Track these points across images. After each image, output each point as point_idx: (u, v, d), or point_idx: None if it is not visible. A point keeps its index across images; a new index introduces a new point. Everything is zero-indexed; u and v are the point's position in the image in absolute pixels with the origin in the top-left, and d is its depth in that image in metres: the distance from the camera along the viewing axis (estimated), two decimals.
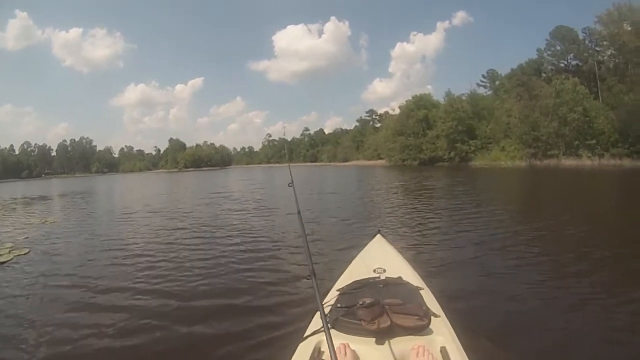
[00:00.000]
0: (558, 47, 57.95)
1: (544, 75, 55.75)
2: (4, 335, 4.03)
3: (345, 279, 2.89)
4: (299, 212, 2.67)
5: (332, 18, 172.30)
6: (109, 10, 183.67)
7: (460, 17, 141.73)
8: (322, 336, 2.01)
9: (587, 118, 41.60)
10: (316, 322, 2.27)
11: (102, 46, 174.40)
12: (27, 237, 9.81)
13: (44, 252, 7.96)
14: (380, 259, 3.19)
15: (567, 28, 57.20)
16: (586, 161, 39.24)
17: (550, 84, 45.39)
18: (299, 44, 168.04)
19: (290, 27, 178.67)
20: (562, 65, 57.51)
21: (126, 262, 6.96)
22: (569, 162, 40.00)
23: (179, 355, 3.59)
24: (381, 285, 2.49)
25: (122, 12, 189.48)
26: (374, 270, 2.85)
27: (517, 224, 8.82)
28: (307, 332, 2.18)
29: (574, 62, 56.59)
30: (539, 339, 3.45)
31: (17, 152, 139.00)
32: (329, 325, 1.93)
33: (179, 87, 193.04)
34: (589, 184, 21.06)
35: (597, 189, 18.41)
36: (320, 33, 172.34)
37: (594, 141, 40.49)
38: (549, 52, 59.19)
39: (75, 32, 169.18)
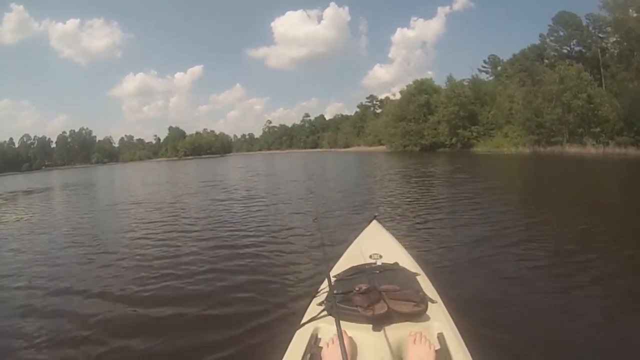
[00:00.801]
0: (561, 33, 57.40)
1: (546, 61, 55.37)
2: None
3: (341, 265, 2.90)
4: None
5: (332, 4, 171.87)
6: (107, 1, 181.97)
7: (461, 2, 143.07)
8: (319, 323, 2.05)
9: (592, 105, 41.09)
10: (313, 309, 2.28)
11: (99, 36, 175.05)
12: None
13: None
14: (376, 245, 3.18)
15: (570, 14, 56.54)
16: (591, 149, 38.69)
17: (554, 70, 44.72)
18: (298, 30, 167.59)
19: (289, 13, 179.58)
20: (565, 51, 56.87)
21: (86, 261, 6.71)
22: (573, 149, 39.48)
23: (174, 343, 3.64)
24: (377, 272, 2.50)
25: (118, 2, 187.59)
26: (370, 256, 2.84)
27: (518, 212, 8.85)
28: (304, 319, 2.18)
29: (577, 49, 56.08)
30: (534, 325, 3.53)
31: (16, 146, 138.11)
32: (325, 312, 2.10)
33: (178, 75, 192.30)
34: (594, 172, 20.93)
35: (602, 177, 18.27)
36: (320, 19, 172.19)
37: (598, 129, 40.02)
38: (552, 38, 58.62)
39: (72, 23, 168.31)
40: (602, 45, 52.26)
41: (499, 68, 65.37)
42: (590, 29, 54.38)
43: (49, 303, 4.77)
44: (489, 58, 69.75)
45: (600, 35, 53.45)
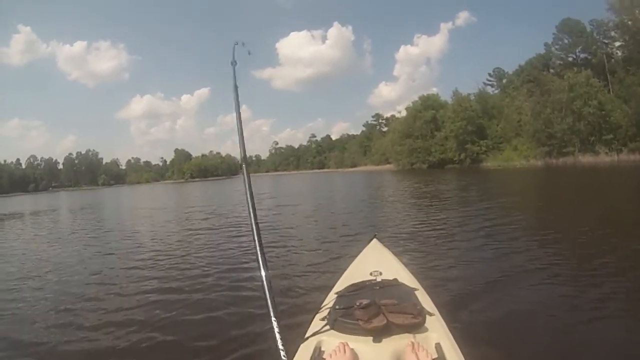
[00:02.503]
0: (566, 41, 57.07)
1: (552, 70, 54.78)
2: None
3: (342, 283, 2.95)
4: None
5: (335, 23, 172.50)
6: (112, 23, 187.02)
7: (463, 17, 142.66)
8: (322, 336, 2.09)
9: (603, 112, 40.24)
10: (316, 323, 2.31)
11: (106, 58, 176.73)
12: None
13: None
14: (376, 263, 3.24)
15: (574, 20, 56.36)
16: (604, 157, 37.92)
17: (563, 78, 43.92)
18: (302, 51, 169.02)
19: (293, 34, 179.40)
20: (571, 59, 56.61)
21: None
22: (586, 159, 38.67)
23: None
24: (377, 287, 2.54)
25: (125, 24, 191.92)
26: (371, 274, 2.87)
27: (527, 230, 8.37)
28: (308, 333, 2.21)
29: (582, 56, 55.62)
30: (531, 338, 3.51)
31: (23, 166, 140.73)
32: (328, 326, 2.15)
33: (184, 97, 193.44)
34: (611, 182, 19.78)
35: (620, 187, 17.19)
36: (324, 39, 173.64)
37: (610, 136, 39.22)
38: (557, 46, 58.37)
39: (79, 45, 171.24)
40: (607, 51, 51.80)
41: (504, 81, 65.23)
42: (595, 34, 53.96)
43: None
44: (493, 71, 69.81)
45: (605, 40, 53.00)
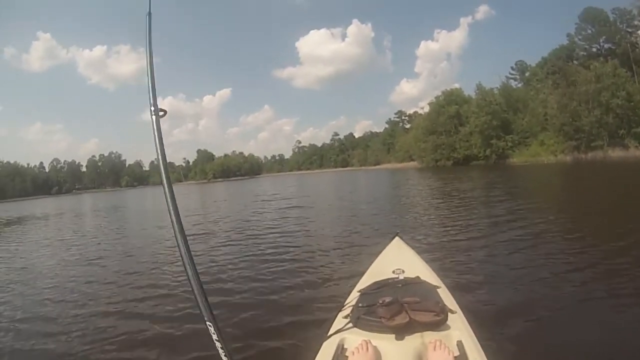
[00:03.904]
0: (589, 31, 56.19)
1: (575, 62, 53.91)
2: None
3: (365, 280, 3.00)
4: None
5: (354, 21, 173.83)
6: (131, 26, 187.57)
7: (482, 11, 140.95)
8: (344, 334, 2.12)
9: (632, 103, 39.57)
10: (339, 321, 2.36)
11: (126, 62, 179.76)
12: None
13: None
14: (399, 261, 3.27)
15: (596, 9, 55.53)
16: (634, 151, 37.28)
17: (589, 69, 43.11)
18: (322, 49, 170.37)
19: (312, 32, 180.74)
20: (595, 49, 55.68)
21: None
22: (615, 153, 38.05)
23: (206, 353, 3.55)
24: (400, 285, 2.57)
25: (144, 28, 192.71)
26: (393, 271, 2.92)
27: (557, 232, 7.94)
28: (331, 331, 2.25)
29: (606, 46, 54.77)
30: (555, 340, 3.49)
31: (47, 170, 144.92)
32: (350, 324, 2.19)
33: (206, 98, 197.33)
34: None
35: None
36: (344, 36, 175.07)
37: None
38: (580, 37, 57.47)
39: (99, 49, 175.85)
40: (631, 40, 50.95)
41: (527, 74, 64.32)
42: (618, 23, 53.08)
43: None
44: (516, 64, 69.05)
45: (629, 29, 52.18)
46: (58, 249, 11.40)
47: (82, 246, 11.46)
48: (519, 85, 64.22)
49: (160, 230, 13.16)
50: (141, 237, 12.97)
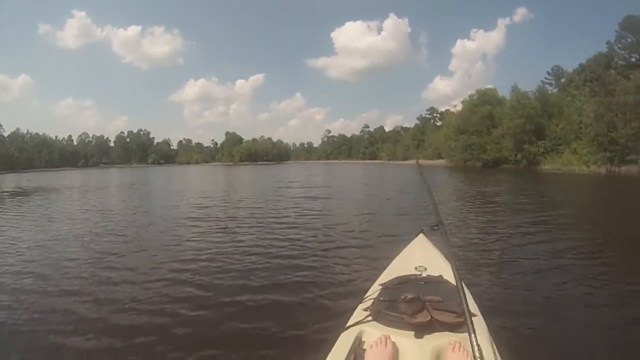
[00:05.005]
0: (629, 39, 54.81)
1: (613, 71, 51.89)
2: None
3: (387, 275, 3.00)
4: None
5: (391, 15, 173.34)
6: (167, 9, 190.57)
7: (520, 13, 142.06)
8: (363, 327, 2.12)
9: None
10: (359, 313, 2.38)
11: (160, 43, 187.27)
12: None
13: None
14: (421, 258, 3.23)
15: (638, 17, 53.42)
16: None
17: (629, 78, 41.80)
18: (358, 41, 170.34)
19: (348, 24, 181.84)
20: (634, 59, 54.38)
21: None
22: None
23: (227, 342, 3.97)
24: (422, 283, 2.56)
25: (180, 10, 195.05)
26: (416, 268, 2.90)
27: (591, 247, 7.94)
28: (350, 322, 2.28)
29: None
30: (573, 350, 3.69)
31: (75, 143, 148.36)
32: (370, 317, 2.18)
33: (239, 82, 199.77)
34: None
35: None
36: (380, 30, 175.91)
37: None
38: (620, 45, 56.13)
39: (133, 30, 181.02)
40: None
41: (562, 80, 63.14)
42: None
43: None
44: (552, 69, 67.70)
45: None
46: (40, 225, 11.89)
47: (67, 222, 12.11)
48: (554, 90, 63.02)
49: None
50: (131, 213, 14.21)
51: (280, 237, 9.05)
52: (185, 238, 9.39)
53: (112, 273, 6.39)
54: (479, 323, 2.19)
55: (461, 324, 1.99)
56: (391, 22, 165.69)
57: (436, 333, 2.00)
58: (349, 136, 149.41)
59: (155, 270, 6.52)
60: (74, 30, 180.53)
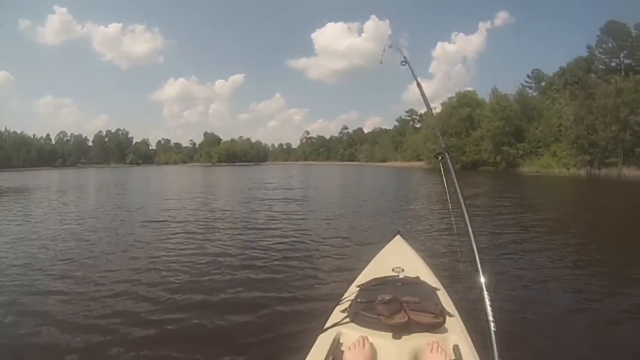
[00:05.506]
0: (610, 44, 55.38)
1: (593, 75, 52.46)
2: None
3: (365, 276, 2.96)
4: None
5: (372, 16, 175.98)
6: (148, 7, 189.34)
7: (502, 17, 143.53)
8: (341, 328, 2.11)
9: None
10: (336, 315, 2.34)
11: (141, 41, 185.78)
12: None
13: None
14: (399, 259, 3.24)
15: (619, 23, 54.67)
16: None
17: (610, 82, 41.80)
18: (338, 42, 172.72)
19: (329, 25, 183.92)
20: (614, 64, 54.87)
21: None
22: (630, 172, 36.70)
23: (197, 343, 3.87)
24: (400, 284, 2.55)
25: (161, 9, 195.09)
26: (393, 269, 2.89)
27: (568, 247, 7.99)
28: (328, 324, 2.23)
29: (627, 62, 53.77)
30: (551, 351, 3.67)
31: (53, 142, 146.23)
32: (348, 318, 2.17)
33: (219, 82, 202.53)
34: None
35: None
36: (360, 31, 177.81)
37: None
38: (601, 50, 56.66)
39: (114, 27, 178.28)
40: None
41: (542, 83, 63.71)
42: None
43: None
44: (532, 72, 68.44)
45: None
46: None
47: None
48: (534, 94, 63.47)
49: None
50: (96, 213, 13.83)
51: (255, 240, 8.76)
52: (161, 240, 9.05)
53: (62, 280, 5.96)
54: (457, 323, 2.20)
55: (439, 325, 2.06)
56: (372, 23, 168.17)
57: (414, 334, 2.00)
58: (327, 137, 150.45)
59: (114, 275, 6.17)
60: (54, 27, 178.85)
